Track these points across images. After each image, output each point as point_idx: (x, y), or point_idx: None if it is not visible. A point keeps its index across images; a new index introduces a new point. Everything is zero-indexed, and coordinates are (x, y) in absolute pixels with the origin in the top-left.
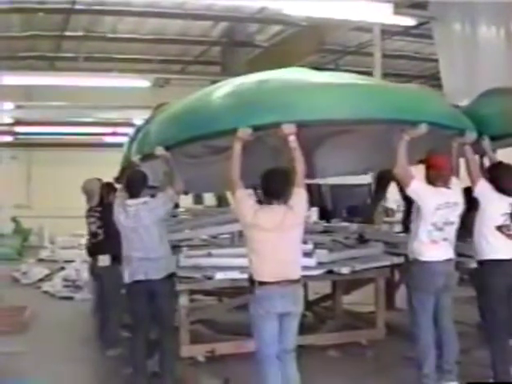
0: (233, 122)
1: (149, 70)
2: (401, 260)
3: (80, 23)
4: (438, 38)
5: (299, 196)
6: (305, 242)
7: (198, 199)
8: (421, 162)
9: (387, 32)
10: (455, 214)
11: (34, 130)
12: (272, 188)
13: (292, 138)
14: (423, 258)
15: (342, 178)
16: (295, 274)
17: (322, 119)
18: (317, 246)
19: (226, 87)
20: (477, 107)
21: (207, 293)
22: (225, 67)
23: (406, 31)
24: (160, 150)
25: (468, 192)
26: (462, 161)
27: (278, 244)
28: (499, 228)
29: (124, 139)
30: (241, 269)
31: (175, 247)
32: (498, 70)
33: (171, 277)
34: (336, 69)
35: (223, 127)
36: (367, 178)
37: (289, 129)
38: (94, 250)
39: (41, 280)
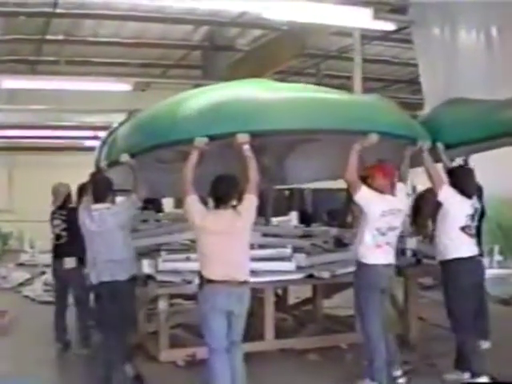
0: (190, 131)
1: (130, 73)
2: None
3: (61, 27)
4: (418, 42)
5: (249, 202)
6: (284, 247)
7: (179, 203)
8: (366, 169)
9: (367, 37)
10: (398, 220)
11: (16, 133)
12: (219, 193)
13: (246, 147)
14: (368, 261)
15: (323, 182)
16: (241, 276)
17: (274, 129)
18: (296, 250)
19: (186, 97)
20: (434, 117)
21: (187, 297)
22: (206, 71)
23: (385, 36)
24: (125, 157)
25: None
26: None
27: (225, 246)
28: (463, 229)
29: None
30: None
31: (154, 251)
32: (478, 74)
33: (134, 279)
34: (317, 73)
35: (181, 136)
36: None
37: (242, 138)
38: (57, 252)
39: (21, 284)
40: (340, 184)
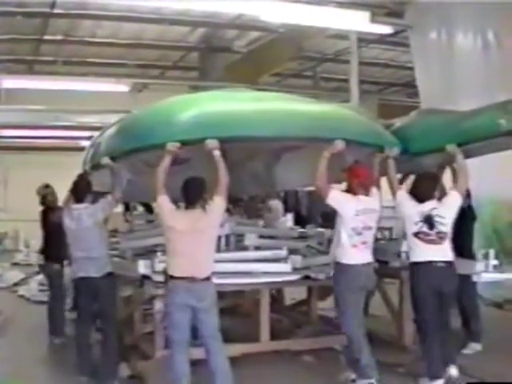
0: (163, 136)
1: (127, 74)
2: (375, 266)
3: (59, 27)
4: (415, 46)
5: (217, 203)
6: (279, 248)
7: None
8: (343, 171)
9: (364, 40)
10: (373, 220)
11: (11, 133)
12: (188, 195)
13: (216, 153)
14: (345, 261)
15: None
16: (203, 273)
17: (242, 136)
18: (291, 251)
19: (162, 103)
20: (405, 126)
21: None
22: (203, 72)
23: (382, 39)
24: (105, 160)
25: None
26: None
27: (189, 245)
28: (416, 235)
29: None
30: (217, 274)
31: (150, 252)
32: (475, 77)
33: (110, 275)
34: (313, 76)
35: (155, 141)
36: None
37: (212, 144)
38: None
39: (16, 284)
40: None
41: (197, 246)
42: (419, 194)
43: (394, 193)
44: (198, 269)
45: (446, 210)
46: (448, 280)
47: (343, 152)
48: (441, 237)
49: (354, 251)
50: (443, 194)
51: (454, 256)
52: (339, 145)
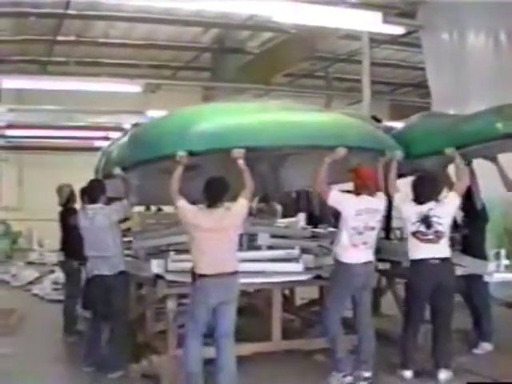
0: (173, 148)
1: (140, 75)
2: (386, 266)
3: (72, 28)
4: (426, 46)
5: (240, 204)
6: (292, 248)
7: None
8: (349, 171)
9: (376, 40)
10: (375, 220)
11: (26, 133)
12: (210, 194)
13: (240, 161)
14: (344, 260)
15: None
16: (230, 268)
17: (248, 146)
18: (304, 251)
19: (172, 114)
20: (406, 129)
21: None
22: (215, 73)
23: (394, 40)
24: (117, 171)
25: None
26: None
27: (215, 243)
28: (414, 234)
29: None
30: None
31: (164, 251)
32: (487, 78)
33: (123, 274)
34: (326, 76)
35: (165, 153)
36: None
37: (237, 153)
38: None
39: (30, 283)
40: (346, 186)
41: (222, 243)
42: (419, 195)
43: (392, 195)
44: (225, 264)
45: (444, 211)
46: (443, 276)
47: (346, 157)
48: (438, 236)
49: (354, 251)
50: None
51: (466, 256)
52: (341, 152)
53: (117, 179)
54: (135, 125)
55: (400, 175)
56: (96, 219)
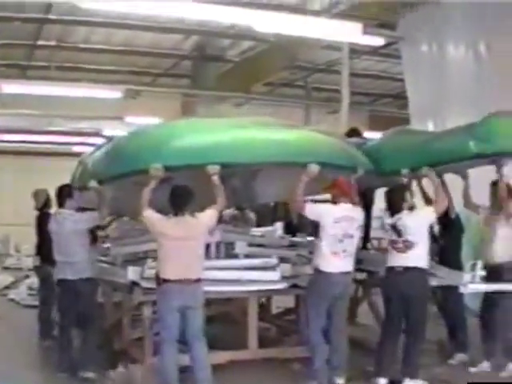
0: (148, 163)
1: (120, 80)
2: (363, 276)
3: (53, 33)
4: (406, 58)
5: (208, 214)
6: (269, 256)
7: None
8: (324, 189)
9: (356, 51)
10: (353, 228)
11: (3, 137)
12: (176, 201)
13: (215, 178)
14: (323, 269)
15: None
16: (194, 275)
17: (221, 163)
18: (281, 260)
19: (148, 130)
20: (377, 146)
21: None
22: (195, 81)
23: (374, 51)
24: (92, 184)
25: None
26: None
27: (182, 250)
28: (389, 243)
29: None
30: (206, 281)
31: (140, 259)
32: (466, 90)
33: (89, 280)
34: (305, 86)
35: (140, 167)
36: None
37: (212, 170)
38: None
39: (6, 288)
40: (324, 196)
41: (189, 250)
42: (391, 207)
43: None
44: (191, 271)
45: (412, 221)
46: (408, 285)
47: (320, 173)
48: (406, 245)
49: (334, 259)
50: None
51: (442, 267)
52: (315, 169)
53: (91, 191)
54: (110, 138)
55: (371, 189)
56: (64, 224)
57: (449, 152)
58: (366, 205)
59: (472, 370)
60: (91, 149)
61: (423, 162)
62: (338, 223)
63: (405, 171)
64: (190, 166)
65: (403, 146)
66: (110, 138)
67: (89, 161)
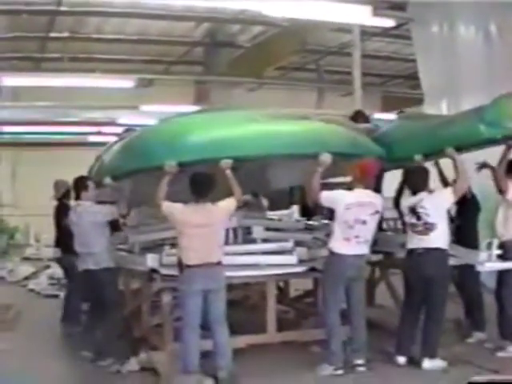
0: (163, 159)
1: (133, 70)
2: (379, 257)
3: (65, 24)
4: (417, 38)
5: (228, 202)
6: (286, 240)
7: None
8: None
9: (367, 33)
10: (367, 213)
11: (20, 129)
12: (198, 188)
13: (228, 172)
14: (336, 251)
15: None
16: (215, 259)
17: (235, 156)
18: (298, 243)
19: (163, 125)
20: (387, 132)
21: None
22: (208, 67)
23: (385, 32)
24: (108, 181)
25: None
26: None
27: (203, 236)
28: (408, 225)
29: (108, 139)
30: (225, 266)
31: (159, 246)
32: (477, 70)
33: (110, 269)
34: (317, 69)
35: (155, 163)
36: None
37: (225, 164)
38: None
39: (26, 278)
40: (340, 178)
41: (209, 237)
42: (410, 187)
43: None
44: (212, 255)
45: (433, 203)
46: (429, 266)
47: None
48: (427, 228)
49: (346, 244)
50: (445, 183)
51: (458, 246)
52: (327, 158)
53: (108, 188)
54: (127, 130)
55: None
56: (83, 216)
57: (459, 137)
58: (377, 186)
59: (499, 354)
60: (107, 139)
61: (435, 148)
62: (349, 209)
63: (418, 157)
64: (203, 161)
65: (414, 131)
66: (126, 130)
67: (105, 157)
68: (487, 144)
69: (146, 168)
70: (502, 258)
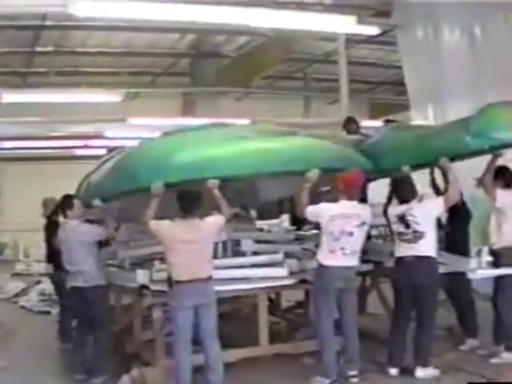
0: (151, 180)
1: (119, 82)
2: (370, 267)
3: (50, 39)
4: (402, 45)
5: (216, 218)
6: (275, 252)
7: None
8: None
9: (352, 40)
10: (352, 225)
11: (6, 144)
12: (184, 203)
13: (216, 191)
14: (323, 262)
15: None
16: (204, 274)
17: (223, 176)
18: (288, 255)
19: (151, 145)
20: (375, 143)
21: None
22: (194, 78)
23: (370, 39)
24: (96, 202)
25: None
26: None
27: (192, 252)
28: (396, 234)
29: (95, 152)
30: (215, 281)
31: (147, 261)
32: (462, 74)
33: (100, 286)
34: (304, 77)
35: (143, 185)
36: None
37: (212, 184)
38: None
39: (17, 295)
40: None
41: (198, 251)
42: (398, 196)
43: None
44: (201, 271)
45: (421, 211)
46: (419, 274)
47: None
48: (416, 236)
49: (331, 256)
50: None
51: (448, 254)
52: (314, 174)
53: (96, 208)
54: (113, 149)
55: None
56: (70, 234)
57: (446, 149)
58: (363, 196)
59: (493, 360)
60: (95, 152)
61: (422, 159)
62: (333, 221)
63: (406, 168)
64: (190, 182)
65: (402, 143)
66: (113, 149)
67: (93, 177)
68: (474, 155)
69: (133, 190)
70: (494, 264)
